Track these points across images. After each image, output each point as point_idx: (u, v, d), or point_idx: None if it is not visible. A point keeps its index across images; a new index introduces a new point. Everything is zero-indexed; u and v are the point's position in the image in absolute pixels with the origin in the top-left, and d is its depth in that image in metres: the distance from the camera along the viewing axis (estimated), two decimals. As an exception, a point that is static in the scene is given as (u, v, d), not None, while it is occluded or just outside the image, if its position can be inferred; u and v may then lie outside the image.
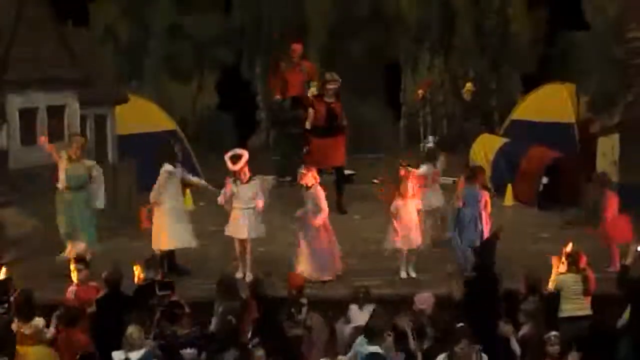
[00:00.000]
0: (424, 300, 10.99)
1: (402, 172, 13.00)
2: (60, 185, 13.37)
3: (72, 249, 13.13)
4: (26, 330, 10.17)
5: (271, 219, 15.08)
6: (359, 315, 11.30)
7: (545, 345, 10.19)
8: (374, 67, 23.54)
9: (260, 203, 13.12)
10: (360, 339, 9.97)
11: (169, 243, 13.12)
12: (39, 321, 10.34)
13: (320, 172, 13.67)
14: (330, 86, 16.33)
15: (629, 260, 11.91)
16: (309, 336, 11.01)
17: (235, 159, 13.13)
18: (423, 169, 13.85)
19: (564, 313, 11.28)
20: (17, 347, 10.12)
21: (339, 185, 16.47)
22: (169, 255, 13.29)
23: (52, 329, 10.42)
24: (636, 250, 11.66)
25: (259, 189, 13.21)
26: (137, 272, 11.57)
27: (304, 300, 11.30)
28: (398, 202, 12.88)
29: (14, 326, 10.37)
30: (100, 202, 13.64)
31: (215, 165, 16.69)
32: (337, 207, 16.04)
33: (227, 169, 13.26)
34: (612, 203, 13.17)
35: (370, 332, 9.93)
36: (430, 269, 13.14)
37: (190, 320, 10.88)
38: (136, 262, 11.75)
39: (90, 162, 13.68)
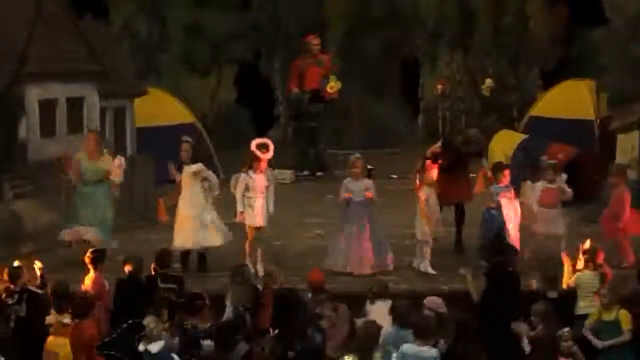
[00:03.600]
0: (434, 303, 10.84)
1: (428, 162, 13.04)
2: (75, 180, 13.43)
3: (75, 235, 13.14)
4: (65, 319, 10.19)
5: (289, 213, 15.12)
6: (375, 310, 11.27)
7: (558, 342, 10.14)
8: (392, 63, 23.53)
9: (272, 187, 13.23)
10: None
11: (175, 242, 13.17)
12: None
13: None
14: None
15: None
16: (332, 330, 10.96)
17: (264, 148, 13.16)
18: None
19: (580, 310, 11.22)
20: (50, 339, 10.21)
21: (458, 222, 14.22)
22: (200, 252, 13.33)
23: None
24: None
25: (271, 178, 13.31)
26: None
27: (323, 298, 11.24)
28: (426, 191, 12.95)
29: (50, 318, 10.43)
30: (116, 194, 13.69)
31: (233, 159, 16.71)
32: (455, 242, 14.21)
33: (244, 162, 13.28)
34: (625, 198, 13.12)
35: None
36: (450, 265, 13.11)
37: (211, 313, 10.88)
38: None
39: (107, 161, 13.60)
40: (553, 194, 13.07)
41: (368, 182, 13.25)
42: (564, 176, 13.19)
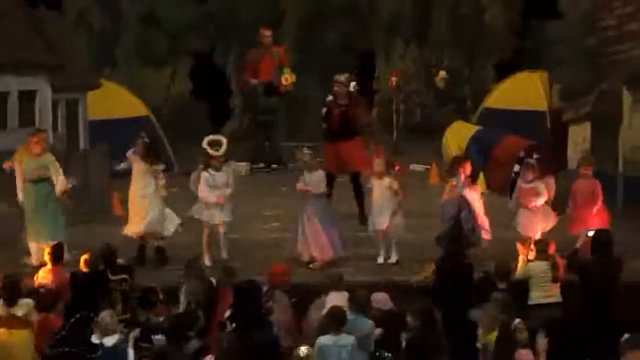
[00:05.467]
0: (379, 300, 10.90)
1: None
2: (18, 186, 13.08)
3: (34, 255, 12.78)
4: (18, 311, 10.11)
5: (245, 206, 15.12)
6: (331, 302, 11.27)
7: (514, 333, 10.22)
8: (348, 56, 23.56)
9: (228, 191, 13.15)
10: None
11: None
12: (29, 302, 10.27)
13: None
14: (335, 88, 14.98)
15: (579, 244, 12.10)
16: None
17: (216, 145, 13.13)
18: None
19: (533, 300, 11.33)
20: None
21: (356, 193, 14.59)
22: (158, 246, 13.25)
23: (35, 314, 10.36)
24: (587, 235, 11.85)
25: (231, 175, 13.23)
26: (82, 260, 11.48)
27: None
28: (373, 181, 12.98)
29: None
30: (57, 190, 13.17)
31: (188, 152, 16.69)
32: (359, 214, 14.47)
33: (199, 155, 13.25)
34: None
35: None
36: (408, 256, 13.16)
37: (165, 307, 10.84)
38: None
39: (49, 158, 13.16)
40: (525, 193, 12.96)
41: (319, 175, 13.17)
42: (517, 167, 13.29)
